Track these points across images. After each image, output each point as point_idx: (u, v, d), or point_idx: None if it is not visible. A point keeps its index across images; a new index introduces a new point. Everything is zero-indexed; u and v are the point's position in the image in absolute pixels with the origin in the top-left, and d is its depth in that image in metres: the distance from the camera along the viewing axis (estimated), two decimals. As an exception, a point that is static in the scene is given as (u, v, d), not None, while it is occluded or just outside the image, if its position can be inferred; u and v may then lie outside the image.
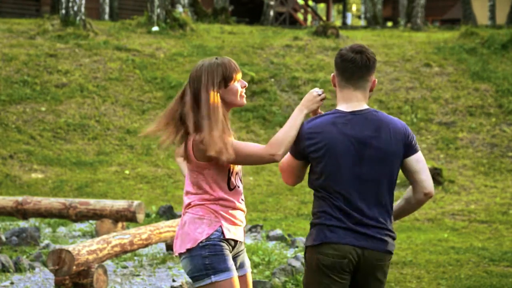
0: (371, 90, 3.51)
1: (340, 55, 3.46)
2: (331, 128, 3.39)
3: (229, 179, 3.56)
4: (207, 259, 3.43)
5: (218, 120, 3.46)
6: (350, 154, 3.38)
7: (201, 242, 3.45)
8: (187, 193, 3.65)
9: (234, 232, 3.53)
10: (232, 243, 3.53)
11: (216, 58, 3.55)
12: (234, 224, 3.54)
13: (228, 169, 3.55)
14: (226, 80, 3.51)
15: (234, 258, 3.59)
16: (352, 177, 3.38)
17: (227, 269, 3.42)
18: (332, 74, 3.54)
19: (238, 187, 3.62)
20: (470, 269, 7.68)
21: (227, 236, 3.48)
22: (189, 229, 3.52)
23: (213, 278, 3.41)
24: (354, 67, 3.43)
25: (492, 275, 7.38)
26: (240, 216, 3.59)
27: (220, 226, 3.49)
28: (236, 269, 3.56)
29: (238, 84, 3.56)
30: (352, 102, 3.45)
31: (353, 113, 3.41)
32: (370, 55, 3.46)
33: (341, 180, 3.39)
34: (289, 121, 3.46)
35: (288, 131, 3.42)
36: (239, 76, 3.55)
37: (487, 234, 9.93)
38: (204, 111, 3.47)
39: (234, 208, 3.54)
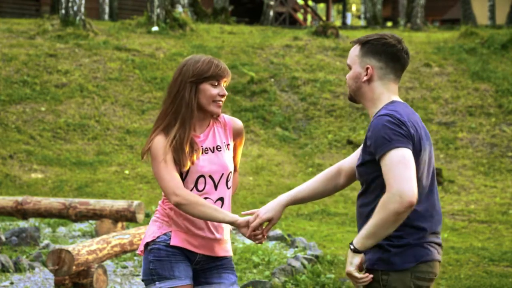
0: None
1: (390, 44, 3.03)
2: (415, 117, 2.99)
3: (196, 181, 3.36)
4: (151, 264, 3.32)
5: (163, 114, 3.34)
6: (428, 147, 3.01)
7: (147, 244, 3.34)
8: None
9: (187, 240, 3.31)
10: (187, 252, 3.32)
11: (202, 57, 3.41)
12: (189, 232, 3.33)
13: (181, 169, 3.34)
14: (198, 78, 3.33)
15: (201, 271, 3.37)
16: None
17: (172, 277, 3.27)
18: (366, 66, 3.04)
19: (207, 192, 3.38)
20: (470, 269, 7.68)
21: (172, 243, 3.30)
22: (146, 230, 3.44)
23: (157, 285, 3.29)
24: (408, 59, 3.07)
25: (492, 275, 7.38)
26: (202, 224, 3.35)
27: (170, 231, 3.32)
28: (206, 282, 3.36)
29: (215, 90, 3.33)
30: (397, 95, 3.10)
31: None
32: None
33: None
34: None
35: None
36: (218, 79, 3.32)
37: (487, 234, 9.93)
38: (164, 104, 3.37)
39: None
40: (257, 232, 3.31)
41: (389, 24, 36.75)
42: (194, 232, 3.34)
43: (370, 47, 3.04)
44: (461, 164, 13.67)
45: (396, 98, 3.08)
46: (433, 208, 3.00)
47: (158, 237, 3.32)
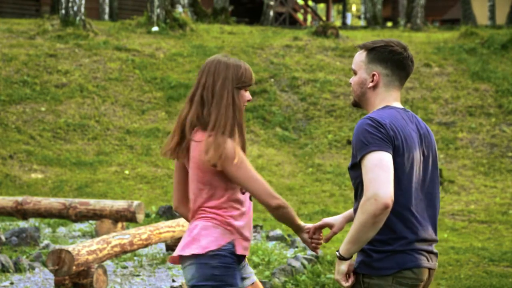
0: None
1: (397, 52, 3.06)
2: (403, 122, 3.00)
3: None
4: (217, 269, 3.27)
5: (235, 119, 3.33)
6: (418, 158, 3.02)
7: (211, 251, 3.29)
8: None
9: (246, 247, 3.40)
10: (242, 258, 3.40)
11: (239, 61, 3.41)
12: (247, 239, 3.39)
13: None
14: (242, 85, 3.36)
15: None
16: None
17: (235, 285, 3.31)
18: (372, 72, 3.07)
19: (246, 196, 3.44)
20: (470, 269, 7.68)
21: (238, 252, 3.34)
22: (199, 235, 3.34)
23: None
24: (412, 66, 3.10)
25: (492, 275, 7.39)
26: (251, 230, 3.46)
27: (233, 240, 3.33)
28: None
29: (247, 95, 3.40)
30: (398, 102, 3.11)
31: (405, 110, 3.09)
32: None
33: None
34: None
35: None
36: (250, 86, 3.40)
37: (487, 234, 9.93)
38: (221, 108, 3.31)
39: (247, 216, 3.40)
40: (316, 236, 3.38)
41: (389, 24, 36.75)
42: (249, 238, 3.41)
43: (376, 54, 3.08)
44: (461, 164, 13.67)
45: (396, 104, 3.10)
46: (423, 214, 3.00)
47: (223, 245, 3.30)
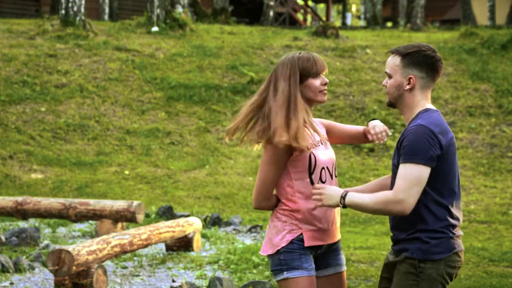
0: None
1: (430, 56, 3.37)
2: (447, 127, 3.36)
3: (320, 173, 3.59)
4: (282, 254, 3.53)
5: (298, 111, 3.51)
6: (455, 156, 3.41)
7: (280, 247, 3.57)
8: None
9: (316, 237, 3.57)
10: (315, 247, 3.59)
11: (300, 53, 3.61)
12: (317, 229, 3.57)
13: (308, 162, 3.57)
14: (302, 75, 3.55)
15: (320, 256, 3.63)
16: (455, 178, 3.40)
17: (300, 268, 3.50)
18: (409, 76, 3.38)
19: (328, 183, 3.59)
20: (470, 269, 7.68)
21: (307, 245, 3.54)
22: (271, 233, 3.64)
23: (285, 274, 3.50)
24: (442, 67, 3.43)
25: (492, 275, 7.39)
26: (322, 219, 3.58)
27: (301, 233, 3.55)
28: (323, 268, 3.64)
29: (318, 81, 3.58)
30: (430, 101, 3.44)
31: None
32: None
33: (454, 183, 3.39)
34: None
35: None
36: (319, 72, 3.57)
37: (487, 235, 9.93)
38: (280, 101, 3.52)
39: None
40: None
41: (389, 24, 36.76)
42: (320, 227, 3.56)
43: (411, 58, 3.38)
44: (461, 164, 13.67)
45: (429, 105, 3.43)
46: (459, 206, 3.44)
47: (291, 242, 3.54)
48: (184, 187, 12.45)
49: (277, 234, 3.56)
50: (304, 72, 3.55)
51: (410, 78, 3.37)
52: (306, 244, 3.51)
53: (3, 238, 8.15)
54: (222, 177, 12.91)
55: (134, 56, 17.28)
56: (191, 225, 8.13)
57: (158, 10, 19.57)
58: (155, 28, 19.22)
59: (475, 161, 13.76)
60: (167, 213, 10.23)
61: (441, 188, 3.31)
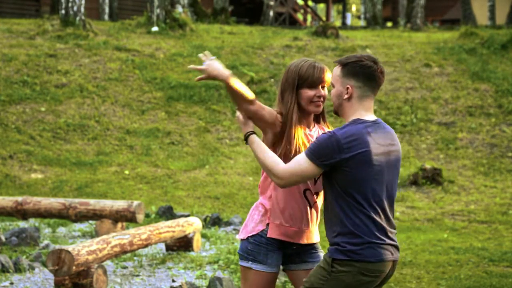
0: None
1: (367, 65, 3.47)
2: (367, 137, 3.44)
3: None
4: (250, 245, 3.76)
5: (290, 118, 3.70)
6: (384, 166, 3.48)
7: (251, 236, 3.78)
8: None
9: (283, 233, 3.74)
10: (284, 242, 3.76)
11: (305, 61, 3.74)
12: (284, 226, 3.75)
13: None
14: (298, 83, 3.71)
15: (295, 253, 3.80)
16: (383, 187, 3.48)
17: (264, 263, 3.73)
18: (346, 85, 3.50)
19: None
20: (470, 269, 7.68)
21: (269, 235, 3.73)
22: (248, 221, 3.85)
23: (250, 264, 3.74)
24: (382, 77, 3.51)
25: (492, 275, 7.39)
26: (297, 219, 3.76)
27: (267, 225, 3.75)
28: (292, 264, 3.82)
29: (312, 92, 3.71)
30: (371, 112, 3.53)
31: (375, 122, 3.51)
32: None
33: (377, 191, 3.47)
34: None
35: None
36: (316, 83, 3.68)
37: (486, 234, 9.93)
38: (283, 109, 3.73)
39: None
40: None
41: (389, 24, 36.76)
42: (289, 226, 3.74)
43: (349, 68, 3.50)
44: (461, 164, 13.67)
45: (368, 115, 3.52)
46: (386, 221, 3.55)
47: (259, 234, 3.74)
48: (184, 187, 12.45)
49: (251, 222, 3.76)
50: (301, 80, 3.70)
51: (347, 88, 3.48)
52: (268, 234, 3.70)
53: (3, 238, 8.14)
54: (222, 177, 12.91)
55: (134, 56, 17.28)
56: (191, 225, 8.13)
57: (158, 10, 19.57)
58: (155, 28, 19.22)
59: (475, 161, 13.76)
60: (167, 213, 10.22)
61: (355, 194, 3.40)
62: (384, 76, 3.53)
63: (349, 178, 3.39)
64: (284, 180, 3.47)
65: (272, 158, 3.53)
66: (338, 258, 3.40)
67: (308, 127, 3.80)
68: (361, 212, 3.40)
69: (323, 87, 3.72)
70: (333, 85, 3.57)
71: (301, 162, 3.43)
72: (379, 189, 3.43)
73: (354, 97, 3.48)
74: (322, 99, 3.72)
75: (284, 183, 3.49)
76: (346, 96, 3.49)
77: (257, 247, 3.72)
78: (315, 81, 3.67)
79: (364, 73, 3.46)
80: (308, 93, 3.69)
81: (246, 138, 3.69)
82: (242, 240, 3.79)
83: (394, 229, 3.51)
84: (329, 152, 3.37)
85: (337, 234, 3.43)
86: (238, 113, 3.74)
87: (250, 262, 3.73)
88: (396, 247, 3.49)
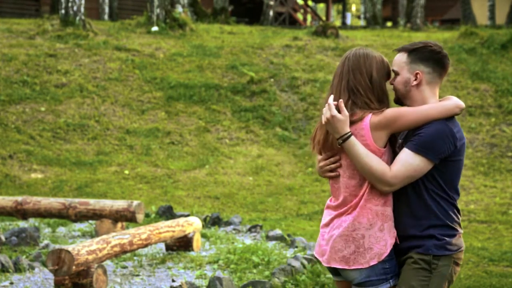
0: None
1: (436, 51, 3.39)
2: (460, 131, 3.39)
3: None
4: (387, 263, 3.42)
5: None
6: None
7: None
8: None
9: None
10: None
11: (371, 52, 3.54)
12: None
13: None
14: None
15: None
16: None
17: (397, 273, 3.47)
18: (415, 71, 3.38)
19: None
20: (470, 269, 7.69)
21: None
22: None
23: (392, 282, 3.37)
24: (449, 63, 3.45)
25: (491, 275, 7.39)
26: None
27: None
28: None
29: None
30: (437, 97, 3.44)
31: None
32: None
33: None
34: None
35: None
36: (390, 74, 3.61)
37: (486, 234, 9.94)
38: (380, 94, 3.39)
39: None
40: None
41: (389, 24, 36.76)
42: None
43: (417, 54, 3.39)
44: (461, 164, 13.69)
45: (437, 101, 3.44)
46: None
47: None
48: (184, 187, 12.45)
49: (377, 241, 3.30)
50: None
51: (417, 74, 3.37)
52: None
53: (3, 238, 8.14)
54: (222, 177, 12.91)
55: (134, 56, 17.28)
56: (191, 225, 8.13)
57: (158, 10, 19.57)
58: (155, 28, 19.22)
59: (475, 161, 13.76)
60: (167, 213, 10.23)
61: (450, 185, 3.34)
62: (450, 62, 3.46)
63: (450, 169, 3.32)
64: (397, 186, 3.28)
65: (379, 164, 3.27)
66: (437, 254, 3.30)
67: None
68: (451, 204, 3.35)
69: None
70: (396, 73, 3.43)
71: (411, 161, 3.26)
72: (459, 180, 3.42)
73: (424, 83, 3.38)
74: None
75: (395, 189, 3.29)
76: (414, 83, 3.38)
77: (393, 260, 3.35)
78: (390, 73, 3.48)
79: (433, 58, 3.38)
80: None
81: (345, 140, 3.32)
82: (371, 266, 3.32)
83: None
84: (445, 143, 3.27)
85: (429, 227, 3.31)
86: (334, 110, 3.32)
87: (392, 279, 3.35)
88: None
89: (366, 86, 3.34)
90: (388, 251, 3.30)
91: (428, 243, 3.31)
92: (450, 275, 3.34)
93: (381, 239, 3.30)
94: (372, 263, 3.28)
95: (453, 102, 3.38)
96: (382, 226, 3.31)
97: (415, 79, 3.38)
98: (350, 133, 3.29)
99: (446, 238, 3.31)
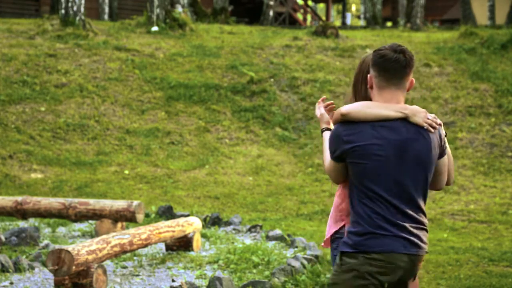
0: (408, 90, 3.53)
1: (381, 55, 3.44)
2: (370, 130, 3.39)
3: None
4: None
5: None
6: (391, 161, 3.39)
7: None
8: None
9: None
10: None
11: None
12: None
13: None
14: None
15: None
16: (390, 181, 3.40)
17: None
18: (369, 76, 3.52)
19: None
20: (470, 269, 7.69)
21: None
22: None
23: None
24: (398, 67, 3.42)
25: (491, 275, 7.39)
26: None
27: None
28: None
29: None
30: (391, 103, 3.45)
31: None
32: (411, 54, 3.46)
33: (380, 184, 3.41)
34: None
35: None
36: None
37: (486, 234, 9.94)
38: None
39: None
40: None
41: (389, 24, 36.76)
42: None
43: (371, 59, 3.53)
44: (461, 164, 13.67)
45: None
46: (396, 213, 3.57)
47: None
48: (184, 187, 12.45)
49: (329, 228, 3.81)
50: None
51: (370, 78, 3.53)
52: None
53: (3, 238, 8.14)
54: (222, 177, 12.91)
55: (134, 56, 17.28)
56: (191, 225, 8.13)
57: (158, 10, 19.57)
58: (155, 28, 19.21)
59: (475, 161, 13.76)
60: (167, 213, 10.23)
61: (362, 186, 3.39)
62: (402, 65, 3.42)
63: (354, 171, 3.41)
64: (332, 179, 3.63)
65: (326, 158, 3.68)
66: (345, 251, 3.40)
67: None
68: (364, 204, 3.37)
69: None
70: None
71: (327, 157, 3.61)
72: (385, 184, 3.36)
73: (374, 87, 3.50)
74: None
75: (334, 182, 3.64)
76: (368, 86, 3.55)
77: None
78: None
79: (377, 63, 3.45)
80: None
81: (322, 134, 3.79)
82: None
83: (417, 223, 3.41)
84: (332, 144, 3.49)
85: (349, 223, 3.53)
86: (316, 109, 3.88)
87: None
88: (413, 242, 3.38)
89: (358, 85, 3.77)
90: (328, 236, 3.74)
91: (342, 240, 3.51)
92: (361, 276, 3.40)
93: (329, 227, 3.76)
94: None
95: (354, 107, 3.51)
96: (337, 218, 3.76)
97: (369, 83, 3.54)
98: (323, 129, 3.77)
99: (353, 237, 3.40)
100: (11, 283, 6.52)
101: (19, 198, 9.05)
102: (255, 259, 7.38)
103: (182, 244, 8.10)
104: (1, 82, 15.42)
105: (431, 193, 12.32)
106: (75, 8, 18.50)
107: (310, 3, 41.50)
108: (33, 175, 12.62)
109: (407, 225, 3.37)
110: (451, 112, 15.45)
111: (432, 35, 20.59)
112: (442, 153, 3.51)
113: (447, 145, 3.56)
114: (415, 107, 3.49)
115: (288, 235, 8.88)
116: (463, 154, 14.04)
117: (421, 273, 7.45)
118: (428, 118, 3.48)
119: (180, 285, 5.98)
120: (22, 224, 9.69)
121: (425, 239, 3.45)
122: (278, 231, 9.00)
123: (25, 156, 13.20)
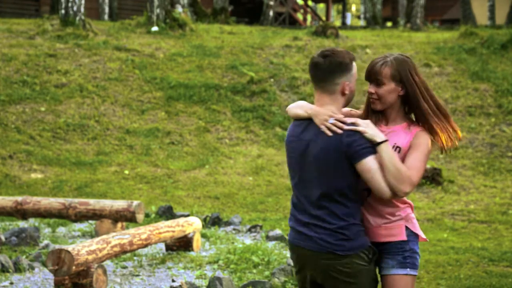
0: (343, 94, 3.56)
1: (310, 60, 3.61)
2: (291, 128, 3.69)
3: None
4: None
5: None
6: (297, 157, 3.62)
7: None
8: None
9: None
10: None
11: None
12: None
13: None
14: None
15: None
16: (296, 178, 3.64)
17: None
18: None
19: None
20: (470, 269, 7.69)
21: None
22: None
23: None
24: (318, 71, 3.55)
25: (491, 275, 7.39)
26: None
27: None
28: None
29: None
30: (316, 105, 3.62)
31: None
32: (336, 59, 3.50)
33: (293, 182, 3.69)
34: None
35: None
36: (367, 79, 3.86)
37: (486, 234, 9.94)
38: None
39: None
40: None
41: (389, 24, 36.77)
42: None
43: None
44: (461, 164, 13.67)
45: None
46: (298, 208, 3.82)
47: None
48: (184, 187, 12.45)
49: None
50: None
51: None
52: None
53: (3, 238, 8.14)
54: (222, 177, 12.91)
55: (134, 56, 17.28)
56: (191, 225, 8.13)
57: (158, 10, 19.57)
58: (155, 28, 19.21)
59: (475, 161, 13.77)
60: (167, 213, 10.22)
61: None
62: (321, 69, 3.53)
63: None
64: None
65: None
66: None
67: (385, 124, 3.75)
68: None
69: (375, 84, 3.67)
70: None
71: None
72: (295, 179, 3.62)
73: None
74: (373, 95, 3.69)
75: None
76: None
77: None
78: (365, 77, 3.74)
79: (309, 68, 3.65)
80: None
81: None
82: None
83: (316, 220, 3.50)
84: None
85: None
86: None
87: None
88: (311, 237, 3.49)
89: None
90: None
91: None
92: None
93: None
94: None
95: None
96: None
97: None
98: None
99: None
100: (11, 283, 6.52)
101: (19, 198, 9.05)
102: (255, 259, 7.38)
103: (182, 244, 8.10)
104: (1, 82, 15.42)
105: (431, 193, 12.31)
106: (75, 8, 18.51)
107: (310, 3, 41.50)
108: (33, 175, 12.63)
109: (306, 220, 3.53)
110: (451, 112, 15.45)
111: (432, 35, 20.59)
112: (351, 159, 3.46)
113: (368, 154, 3.46)
114: (319, 109, 3.57)
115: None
116: (463, 154, 14.05)
117: (421, 273, 7.45)
118: (328, 122, 3.52)
119: (180, 285, 5.98)
120: (22, 224, 9.69)
121: (321, 236, 3.49)
122: (278, 231, 9.00)
123: (25, 156, 13.20)
